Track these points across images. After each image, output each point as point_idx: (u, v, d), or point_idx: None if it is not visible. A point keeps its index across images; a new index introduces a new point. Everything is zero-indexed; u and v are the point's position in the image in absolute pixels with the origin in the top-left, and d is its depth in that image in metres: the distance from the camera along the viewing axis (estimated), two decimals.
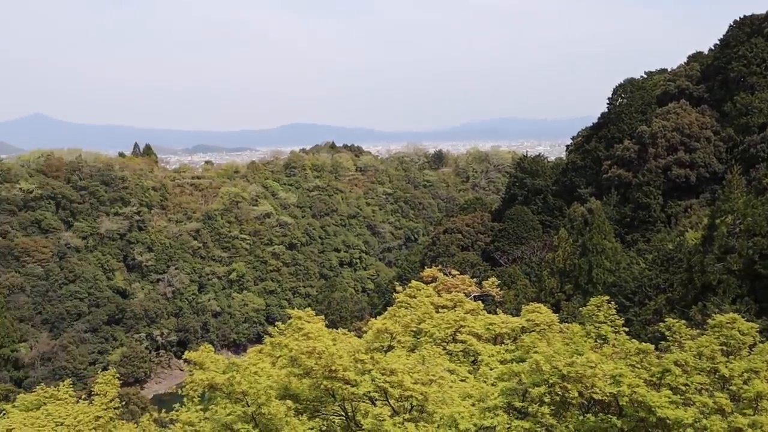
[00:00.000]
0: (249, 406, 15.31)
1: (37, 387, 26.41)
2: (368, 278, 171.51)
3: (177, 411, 19.34)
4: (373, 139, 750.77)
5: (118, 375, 26.91)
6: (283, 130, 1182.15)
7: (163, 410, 21.37)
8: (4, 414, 23.64)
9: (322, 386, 16.27)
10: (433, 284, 28.56)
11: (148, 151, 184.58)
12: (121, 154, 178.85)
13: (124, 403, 28.69)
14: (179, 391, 21.10)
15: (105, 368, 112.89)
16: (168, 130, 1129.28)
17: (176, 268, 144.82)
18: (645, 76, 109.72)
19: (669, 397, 14.19)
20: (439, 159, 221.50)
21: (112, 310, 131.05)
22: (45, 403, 24.78)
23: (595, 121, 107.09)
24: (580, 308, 26.33)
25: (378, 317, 23.74)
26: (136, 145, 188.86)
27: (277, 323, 22.48)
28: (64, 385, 25.87)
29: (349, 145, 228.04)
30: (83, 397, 26.65)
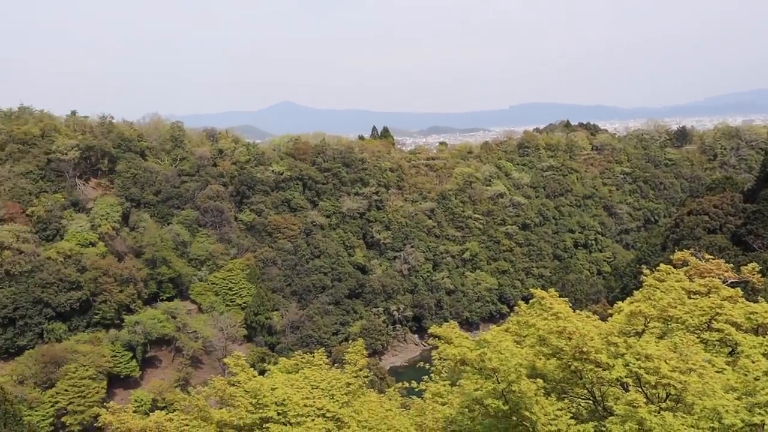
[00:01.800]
0: (499, 383, 15.42)
1: (295, 353, 28.81)
2: (604, 260, 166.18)
3: (425, 383, 20.06)
4: (610, 116, 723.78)
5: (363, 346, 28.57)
6: (515, 110, 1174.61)
7: (413, 381, 22.22)
8: (270, 374, 26.05)
9: (571, 367, 15.98)
10: (684, 268, 26.94)
11: (385, 133, 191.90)
12: (361, 137, 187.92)
13: (371, 372, 30.39)
14: (426, 365, 21.79)
15: (346, 339, 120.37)
16: (403, 113, 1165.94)
17: (412, 246, 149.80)
18: None
19: None
20: (682, 136, 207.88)
21: (353, 284, 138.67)
22: (302, 368, 26.96)
23: None
24: None
25: (624, 300, 22.79)
26: (374, 129, 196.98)
27: (520, 302, 22.45)
28: (318, 353, 28.00)
29: (584, 123, 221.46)
30: (334, 365, 28.63)
